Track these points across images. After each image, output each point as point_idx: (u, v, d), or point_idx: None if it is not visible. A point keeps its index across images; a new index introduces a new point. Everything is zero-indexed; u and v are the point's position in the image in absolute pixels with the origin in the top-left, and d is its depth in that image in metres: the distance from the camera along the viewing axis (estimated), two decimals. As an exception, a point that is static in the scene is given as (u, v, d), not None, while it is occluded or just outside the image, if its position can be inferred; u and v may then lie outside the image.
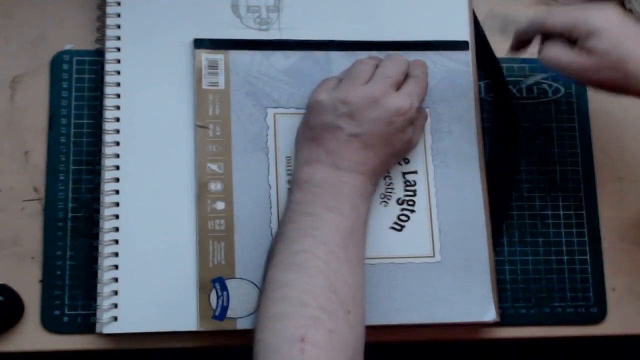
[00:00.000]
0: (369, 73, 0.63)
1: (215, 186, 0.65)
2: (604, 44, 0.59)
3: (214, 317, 0.62)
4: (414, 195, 0.67)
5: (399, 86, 0.63)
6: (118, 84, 0.66)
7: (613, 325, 0.68)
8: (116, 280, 0.62)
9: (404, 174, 0.67)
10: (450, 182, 0.67)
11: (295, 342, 0.51)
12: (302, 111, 0.66)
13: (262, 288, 0.57)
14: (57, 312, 0.63)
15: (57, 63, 0.68)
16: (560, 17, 0.61)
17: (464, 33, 0.71)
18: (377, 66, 0.64)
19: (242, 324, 0.62)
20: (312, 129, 0.62)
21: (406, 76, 0.64)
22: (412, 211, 0.66)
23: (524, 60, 0.72)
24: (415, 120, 0.63)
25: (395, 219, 0.66)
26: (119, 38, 0.67)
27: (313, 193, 0.59)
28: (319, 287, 0.54)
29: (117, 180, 0.64)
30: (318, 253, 0.56)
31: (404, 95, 0.62)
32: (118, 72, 0.66)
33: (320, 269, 0.55)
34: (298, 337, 0.51)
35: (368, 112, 0.60)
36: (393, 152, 0.62)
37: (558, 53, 0.61)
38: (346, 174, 0.60)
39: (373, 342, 0.58)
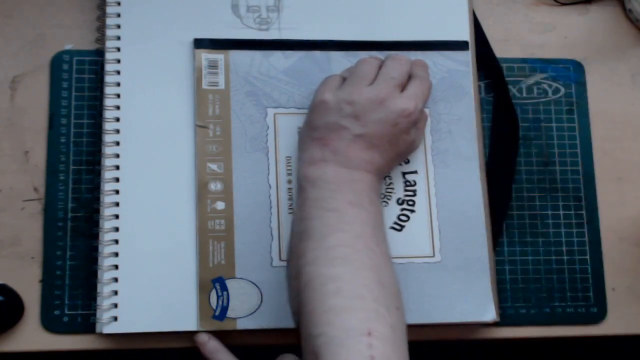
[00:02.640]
0: (373, 73, 0.63)
1: (215, 186, 0.65)
2: None
3: (214, 317, 0.62)
4: (414, 195, 0.67)
5: (403, 87, 0.63)
6: (118, 84, 0.66)
7: (613, 325, 0.68)
8: (116, 280, 0.62)
9: (404, 174, 0.67)
10: (450, 182, 0.67)
11: (361, 336, 0.49)
12: (302, 111, 0.66)
13: (304, 285, 0.54)
14: (57, 312, 0.63)
15: (57, 63, 0.68)
16: None
17: (464, 33, 0.71)
18: (380, 66, 0.64)
19: (242, 324, 0.62)
20: (317, 129, 0.61)
21: (409, 76, 0.64)
22: (412, 211, 0.66)
23: (524, 60, 0.72)
24: (418, 121, 0.63)
25: (395, 219, 0.66)
26: (119, 38, 0.67)
27: (330, 189, 0.58)
28: (371, 281, 0.53)
29: (117, 180, 0.64)
30: (357, 247, 0.55)
31: (408, 97, 0.62)
32: (118, 72, 0.66)
33: (365, 263, 0.54)
34: (364, 331, 0.50)
35: (373, 113, 0.60)
36: (397, 153, 0.62)
37: None
38: (356, 171, 0.59)
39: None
